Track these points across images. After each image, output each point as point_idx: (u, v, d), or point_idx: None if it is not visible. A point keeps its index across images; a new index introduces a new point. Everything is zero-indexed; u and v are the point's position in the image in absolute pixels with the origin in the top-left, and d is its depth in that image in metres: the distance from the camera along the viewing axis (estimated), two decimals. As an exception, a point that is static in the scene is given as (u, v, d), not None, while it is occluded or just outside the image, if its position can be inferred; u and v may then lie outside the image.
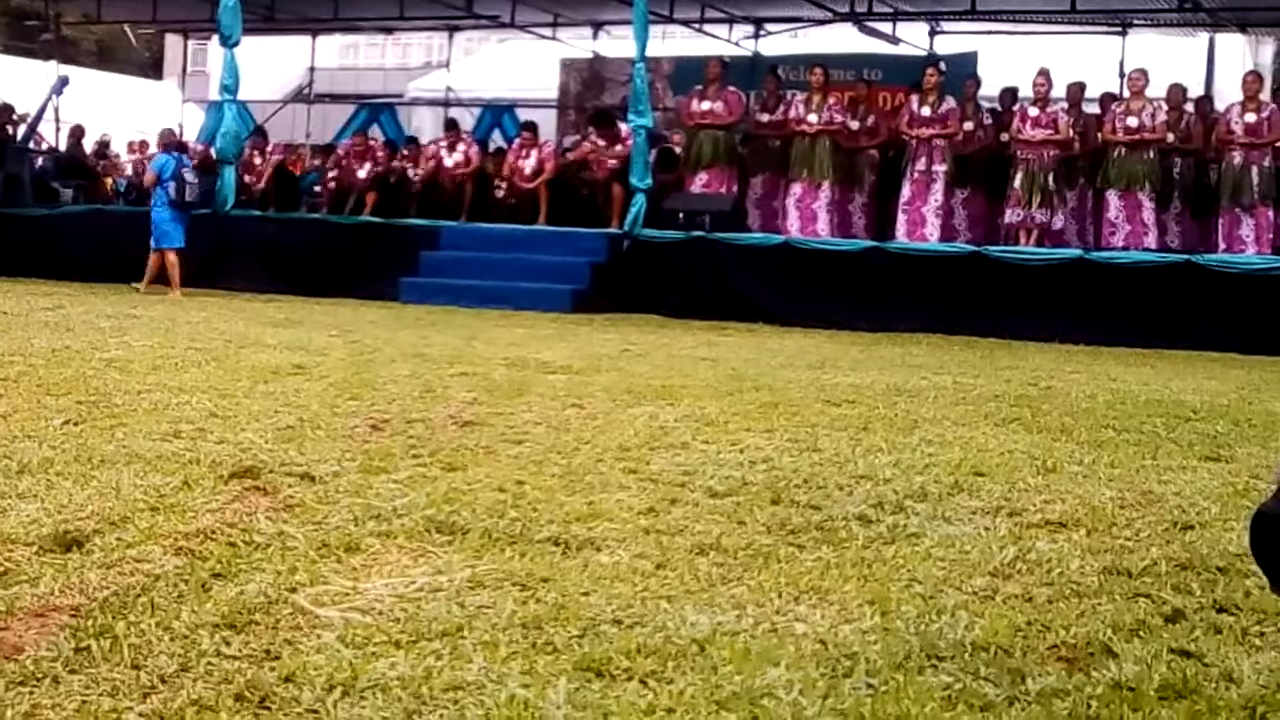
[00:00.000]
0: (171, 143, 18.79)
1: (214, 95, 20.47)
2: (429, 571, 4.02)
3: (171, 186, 17.18)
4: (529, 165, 18.59)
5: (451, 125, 20.43)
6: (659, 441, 6.46)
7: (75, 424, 6.32)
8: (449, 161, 19.52)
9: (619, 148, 17.89)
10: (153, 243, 17.08)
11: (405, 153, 20.51)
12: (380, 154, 20.31)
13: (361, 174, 19.75)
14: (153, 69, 45.59)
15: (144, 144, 27.45)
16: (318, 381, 8.28)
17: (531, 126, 19.59)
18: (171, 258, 16.96)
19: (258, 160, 20.58)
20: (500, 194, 19.17)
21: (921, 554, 4.44)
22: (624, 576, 4.03)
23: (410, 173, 19.94)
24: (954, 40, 22.96)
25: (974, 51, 21.22)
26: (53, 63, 23.99)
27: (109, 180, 24.75)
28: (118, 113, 28.92)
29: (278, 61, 30.82)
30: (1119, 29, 21.54)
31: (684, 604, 3.77)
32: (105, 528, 4.34)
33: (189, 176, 17.46)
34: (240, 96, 19.33)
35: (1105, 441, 7.05)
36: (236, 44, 18.89)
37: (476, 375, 8.88)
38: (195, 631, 3.38)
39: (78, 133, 22.78)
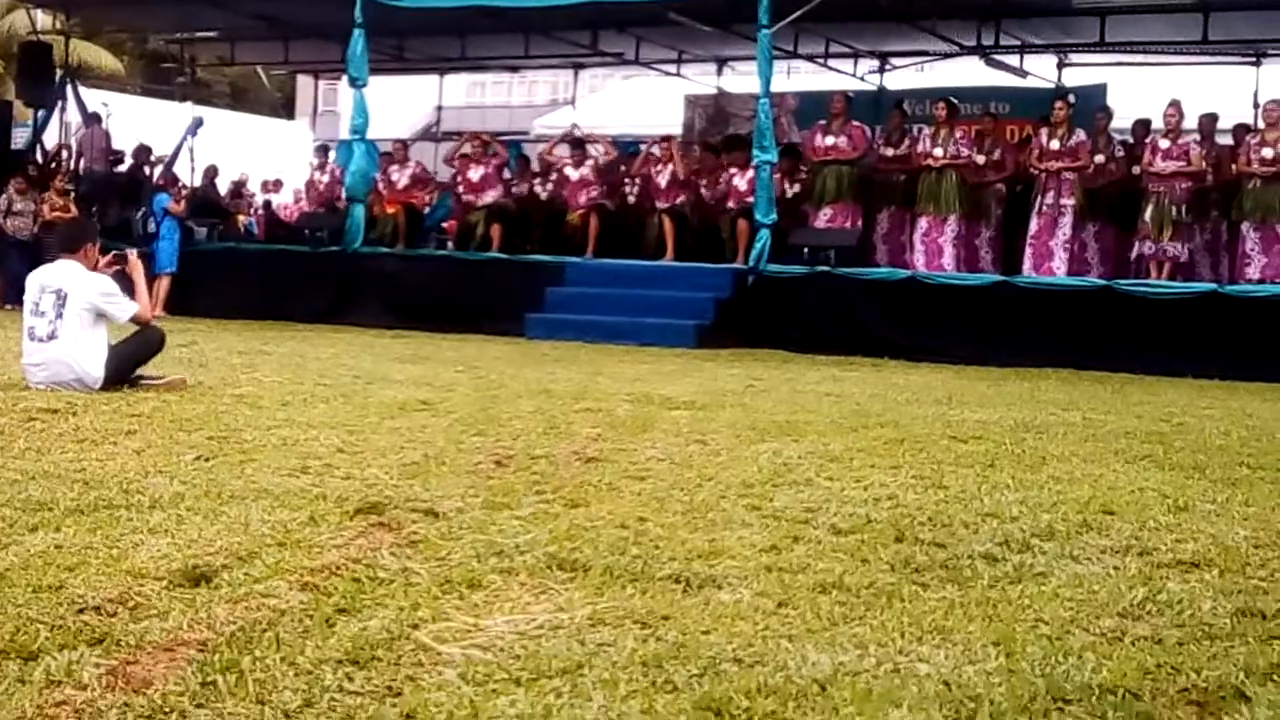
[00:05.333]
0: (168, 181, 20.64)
1: (344, 134, 20.78)
2: (550, 609, 4.03)
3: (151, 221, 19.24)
4: (664, 178, 18.66)
5: (578, 144, 20.51)
6: (782, 478, 6.42)
7: (206, 460, 6.42)
8: (574, 175, 19.58)
9: (750, 173, 17.76)
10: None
11: (533, 170, 20.65)
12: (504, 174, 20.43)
13: (485, 200, 19.85)
14: (285, 109, 46.42)
15: (278, 183, 27.96)
16: (443, 417, 8.35)
17: (669, 139, 19.62)
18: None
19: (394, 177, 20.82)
20: (631, 198, 19.27)
21: (1048, 594, 4.37)
22: (745, 615, 4.01)
23: (537, 187, 20.07)
24: (1083, 73, 22.73)
25: (1103, 84, 20.97)
26: (188, 104, 24.52)
27: (241, 218, 25.21)
28: (251, 152, 29.44)
29: (406, 100, 31.26)
30: (1253, 59, 21.21)
31: (805, 643, 3.74)
32: (233, 563, 4.40)
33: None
34: (370, 135, 19.61)
35: (1240, 479, 6.89)
36: (365, 84, 19.22)
37: (600, 411, 8.91)
38: (319, 667, 3.40)
39: (211, 173, 23.23)
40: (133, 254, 10.20)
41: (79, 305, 9.13)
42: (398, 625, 3.78)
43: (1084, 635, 3.92)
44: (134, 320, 9.48)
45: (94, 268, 9.52)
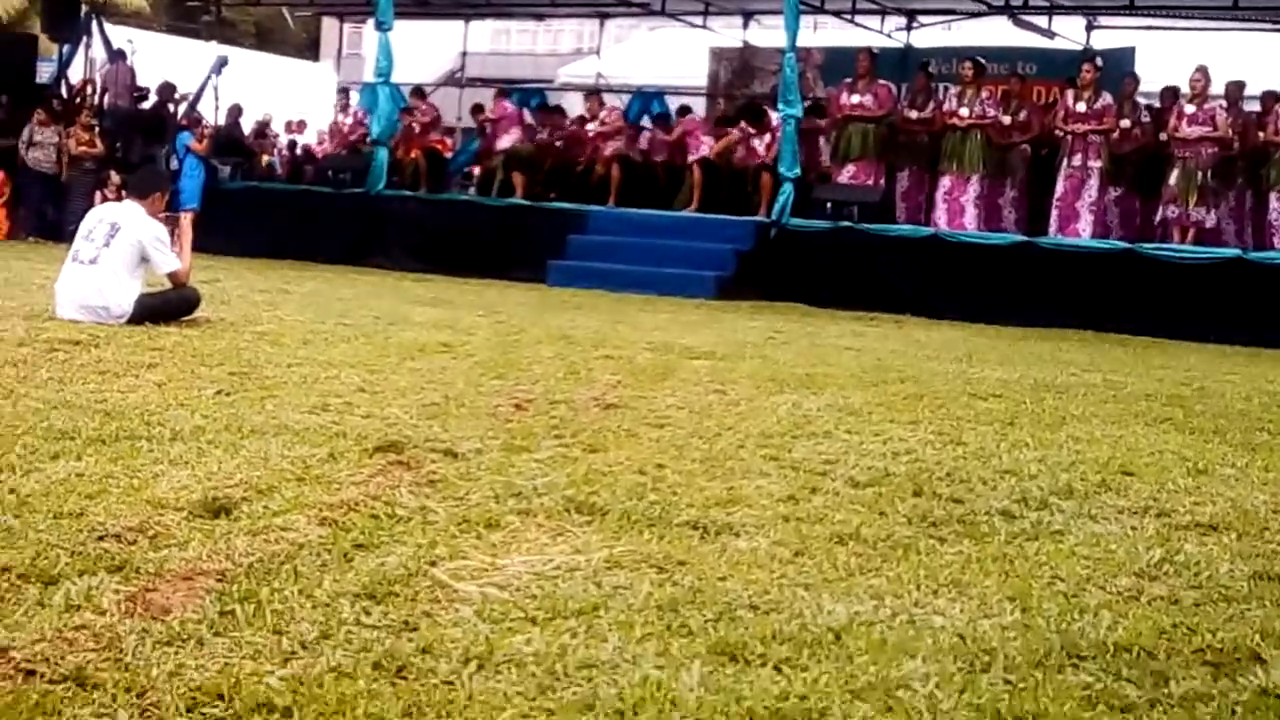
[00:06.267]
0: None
1: (368, 77, 20.75)
2: (567, 551, 4.04)
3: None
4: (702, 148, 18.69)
5: (596, 95, 20.46)
6: (801, 430, 6.42)
7: (227, 394, 6.44)
8: (591, 128, 19.56)
9: (768, 137, 17.76)
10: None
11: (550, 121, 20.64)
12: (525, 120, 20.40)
13: (503, 143, 19.80)
14: (309, 51, 46.29)
15: (301, 123, 27.90)
16: (464, 360, 8.36)
17: (686, 111, 19.56)
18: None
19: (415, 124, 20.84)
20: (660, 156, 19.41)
21: (1065, 551, 4.37)
22: (761, 563, 4.02)
23: (550, 135, 20.07)
24: (1112, 35, 22.52)
25: (1132, 47, 20.78)
26: (213, 43, 24.44)
27: (264, 157, 25.18)
28: (275, 93, 29.35)
29: (431, 46, 31.11)
30: (1283, 27, 20.99)
31: (821, 592, 3.74)
32: (253, 496, 4.42)
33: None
34: (394, 79, 19.57)
35: (1260, 444, 6.88)
36: (390, 28, 19.17)
37: (620, 359, 8.90)
38: (336, 600, 3.42)
39: (235, 112, 23.15)
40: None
41: (128, 240, 9.27)
42: (415, 562, 3.79)
43: (1100, 593, 3.92)
44: (171, 277, 9.60)
45: (156, 216, 9.67)
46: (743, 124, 18.68)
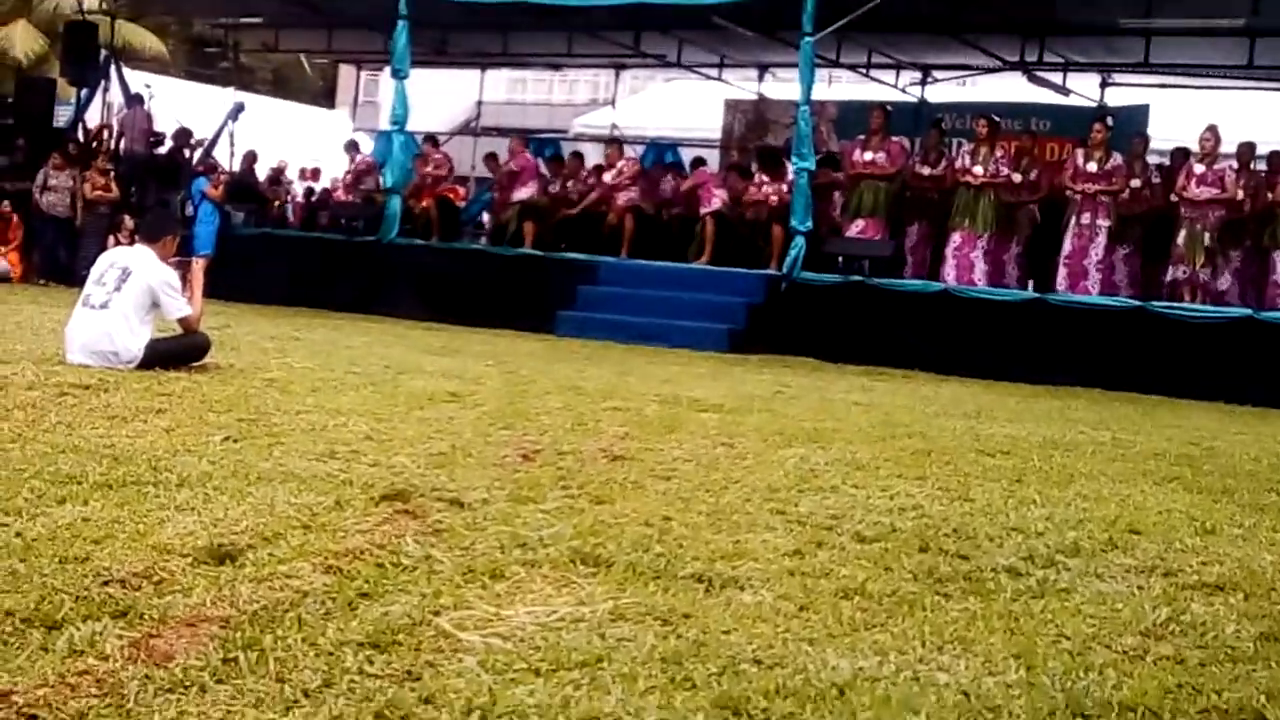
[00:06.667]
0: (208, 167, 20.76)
1: (384, 125, 20.86)
2: (572, 602, 4.04)
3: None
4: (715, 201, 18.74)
5: (617, 144, 20.54)
6: (808, 484, 6.42)
7: (234, 441, 6.46)
8: (608, 177, 19.61)
9: (783, 186, 17.76)
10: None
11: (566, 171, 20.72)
12: (540, 172, 20.48)
13: (519, 196, 19.87)
14: (326, 98, 46.55)
15: (316, 171, 28.04)
16: (472, 410, 8.36)
17: (700, 163, 19.66)
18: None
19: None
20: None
21: (1071, 610, 4.36)
22: (766, 617, 4.01)
23: (569, 186, 20.12)
24: (1126, 93, 22.63)
25: (1145, 105, 20.90)
26: (230, 89, 24.59)
27: (278, 204, 25.29)
28: (291, 139, 29.52)
29: (447, 94, 31.32)
30: (1295, 87, 21.08)
31: (825, 647, 3.74)
32: (258, 543, 4.42)
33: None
34: (409, 128, 19.68)
35: (1268, 505, 6.86)
36: (406, 76, 19.28)
37: (629, 410, 8.91)
38: (340, 649, 3.42)
39: (250, 158, 23.30)
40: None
41: (139, 286, 9.29)
42: (419, 611, 3.79)
43: (1106, 652, 3.91)
44: (182, 322, 9.65)
45: (167, 260, 9.68)
46: (756, 174, 18.75)
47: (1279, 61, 20.23)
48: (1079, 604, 4.44)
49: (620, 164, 19.63)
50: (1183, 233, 15.61)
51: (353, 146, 23.18)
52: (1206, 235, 15.49)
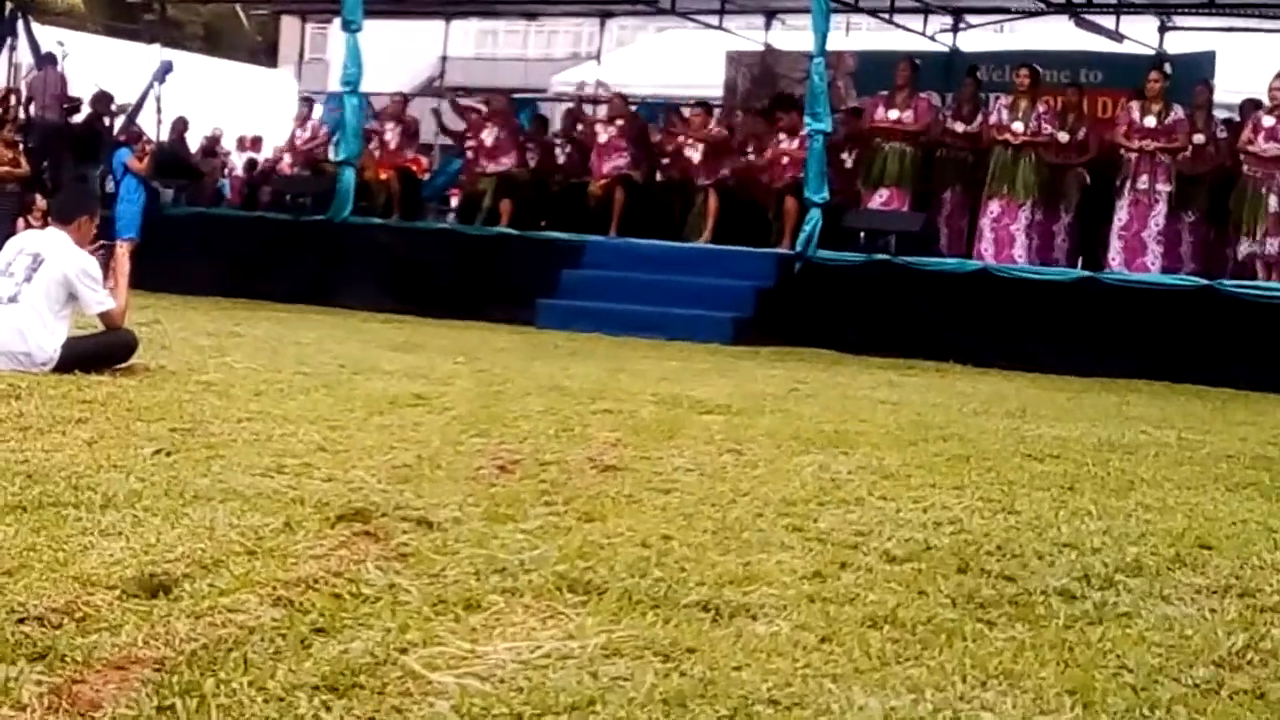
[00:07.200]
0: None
1: (333, 86, 20.82)
2: (558, 636, 4.04)
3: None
4: (696, 153, 18.66)
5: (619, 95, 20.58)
6: (829, 496, 6.43)
7: (167, 454, 6.45)
8: (603, 137, 19.55)
9: (796, 143, 17.70)
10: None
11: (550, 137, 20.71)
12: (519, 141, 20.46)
13: (492, 167, 19.83)
14: (266, 55, 46.54)
15: (256, 139, 27.99)
16: (440, 414, 8.37)
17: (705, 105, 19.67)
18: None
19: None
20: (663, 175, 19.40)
21: (1133, 637, 4.37)
22: (783, 650, 4.02)
23: (556, 150, 20.10)
24: (1188, 38, 22.60)
25: (1211, 51, 20.85)
26: (156, 46, 24.54)
27: (214, 179, 25.26)
28: (226, 104, 29.50)
29: (406, 50, 31.29)
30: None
31: (852, 684, 3.74)
32: (196, 572, 4.42)
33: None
34: (364, 88, 19.63)
35: (1358, 514, 6.88)
36: (359, 29, 19.22)
37: (621, 413, 8.91)
38: (292, 693, 3.42)
39: (181, 126, 23.26)
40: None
41: (53, 276, 9.23)
42: (383, 649, 3.79)
43: (1174, 686, 3.92)
44: (103, 317, 9.59)
45: (85, 245, 9.62)
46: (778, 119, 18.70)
47: (1363, 0, 20.25)
48: (1142, 631, 4.45)
49: (620, 122, 19.53)
50: (1243, 195, 15.47)
51: (306, 103, 22.99)
52: (1273, 199, 15.34)
